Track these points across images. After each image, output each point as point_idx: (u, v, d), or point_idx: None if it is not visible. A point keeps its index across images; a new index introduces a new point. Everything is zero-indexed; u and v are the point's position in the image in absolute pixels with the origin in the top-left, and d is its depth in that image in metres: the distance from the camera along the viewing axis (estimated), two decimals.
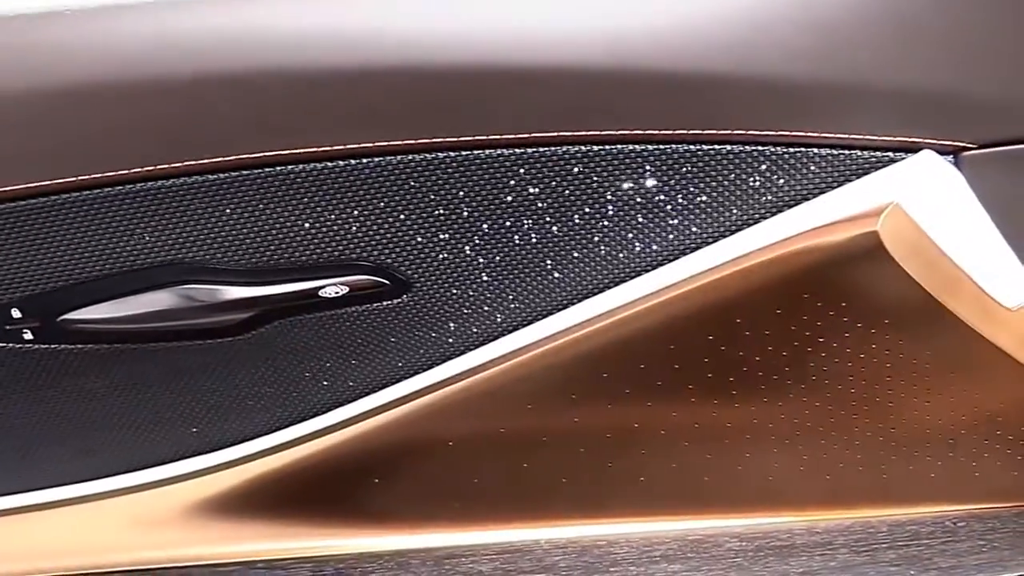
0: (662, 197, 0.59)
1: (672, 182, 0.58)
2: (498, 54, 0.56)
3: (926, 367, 0.62)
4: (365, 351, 0.65)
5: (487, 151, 0.58)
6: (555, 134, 0.57)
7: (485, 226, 0.60)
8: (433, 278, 0.62)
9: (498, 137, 0.57)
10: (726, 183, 0.58)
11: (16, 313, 0.63)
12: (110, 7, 0.57)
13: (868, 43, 0.55)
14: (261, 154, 0.58)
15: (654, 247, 0.60)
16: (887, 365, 0.62)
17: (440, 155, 0.58)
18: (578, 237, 0.60)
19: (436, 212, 0.60)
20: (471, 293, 0.62)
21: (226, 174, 0.59)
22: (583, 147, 0.58)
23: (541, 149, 0.58)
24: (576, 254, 0.61)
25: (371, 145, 0.57)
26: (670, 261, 0.60)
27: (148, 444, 0.70)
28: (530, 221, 0.60)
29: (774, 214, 0.58)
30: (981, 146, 0.57)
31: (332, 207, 0.59)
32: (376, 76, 0.56)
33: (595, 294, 0.62)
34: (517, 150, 0.58)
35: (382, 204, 0.59)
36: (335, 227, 0.60)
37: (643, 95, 0.56)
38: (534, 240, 0.60)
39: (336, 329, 0.64)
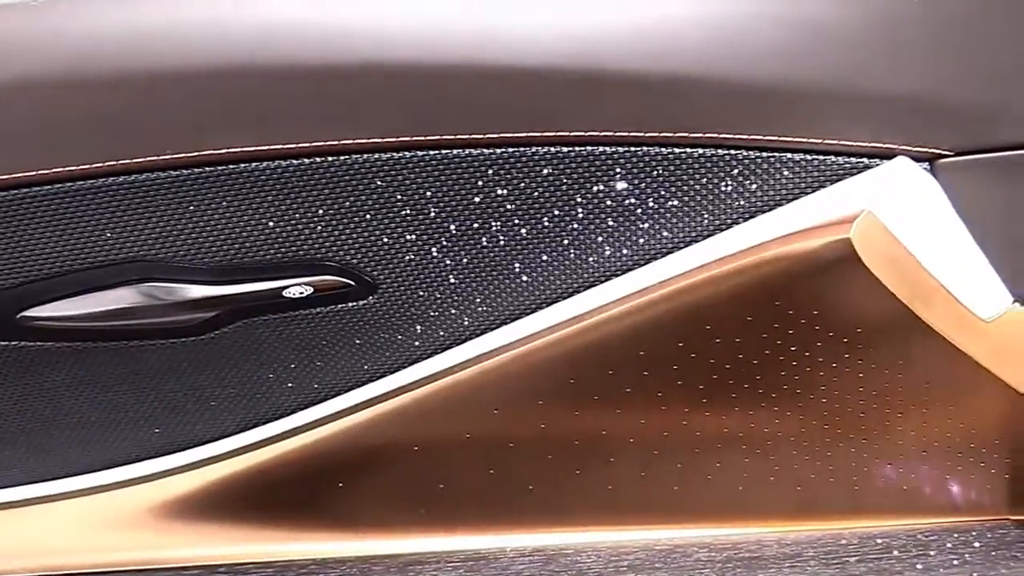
0: (633, 200, 0.58)
1: (643, 185, 0.57)
2: (469, 53, 0.55)
3: (898, 377, 0.61)
4: (330, 353, 0.64)
5: (455, 151, 0.57)
6: (525, 135, 0.56)
7: (452, 227, 0.59)
8: (399, 279, 0.61)
9: (467, 137, 0.56)
10: (698, 187, 0.57)
11: None
12: None
13: (845, 47, 0.55)
14: (226, 151, 0.56)
15: (624, 251, 0.59)
16: (859, 375, 0.61)
17: (407, 154, 0.57)
18: (547, 240, 0.59)
19: (403, 212, 0.58)
20: (438, 295, 0.61)
21: (190, 170, 0.57)
22: (553, 148, 0.57)
23: (510, 150, 0.57)
24: (545, 257, 0.60)
25: (338, 143, 0.56)
26: (640, 266, 0.59)
27: (108, 444, 0.69)
28: (498, 223, 0.59)
29: (746, 219, 0.57)
30: (957, 153, 0.56)
31: (297, 206, 0.58)
32: (344, 73, 0.55)
33: (564, 298, 0.60)
34: (486, 150, 0.57)
35: (348, 203, 0.58)
36: (300, 226, 0.59)
37: (614, 96, 0.55)
38: (502, 242, 0.59)
39: (300, 330, 0.63)
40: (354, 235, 0.59)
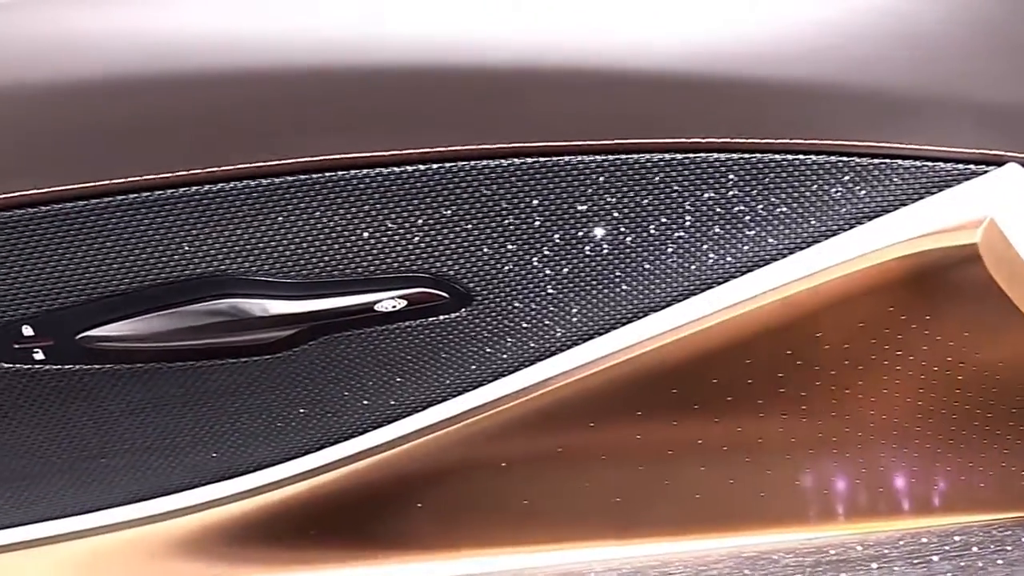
0: (742, 207, 0.57)
1: (753, 192, 0.56)
2: (585, 59, 0.53)
3: (996, 380, 0.62)
4: (413, 368, 0.61)
5: (566, 158, 0.55)
6: (638, 141, 0.55)
7: (556, 236, 0.57)
8: (496, 291, 0.58)
9: (580, 144, 0.54)
10: (808, 193, 0.56)
11: (28, 331, 0.56)
12: None
13: (956, 55, 0.55)
14: (321, 158, 0.53)
15: (728, 259, 0.58)
16: (958, 377, 0.61)
17: (516, 161, 0.55)
18: (651, 248, 0.58)
19: (506, 221, 0.56)
20: (534, 307, 0.59)
21: (281, 179, 0.54)
22: (666, 155, 0.55)
23: (623, 156, 0.55)
24: (647, 266, 0.58)
25: (444, 150, 0.54)
26: (743, 273, 0.58)
27: (159, 471, 0.64)
28: (604, 231, 0.57)
29: (852, 226, 0.57)
30: None
31: (395, 215, 0.55)
32: (456, 78, 0.52)
33: (664, 307, 0.59)
34: (598, 157, 0.55)
35: (449, 212, 0.55)
36: (397, 236, 0.56)
37: (730, 102, 0.54)
38: (605, 251, 0.58)
39: (385, 345, 0.60)
40: (453, 245, 0.56)
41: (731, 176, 0.56)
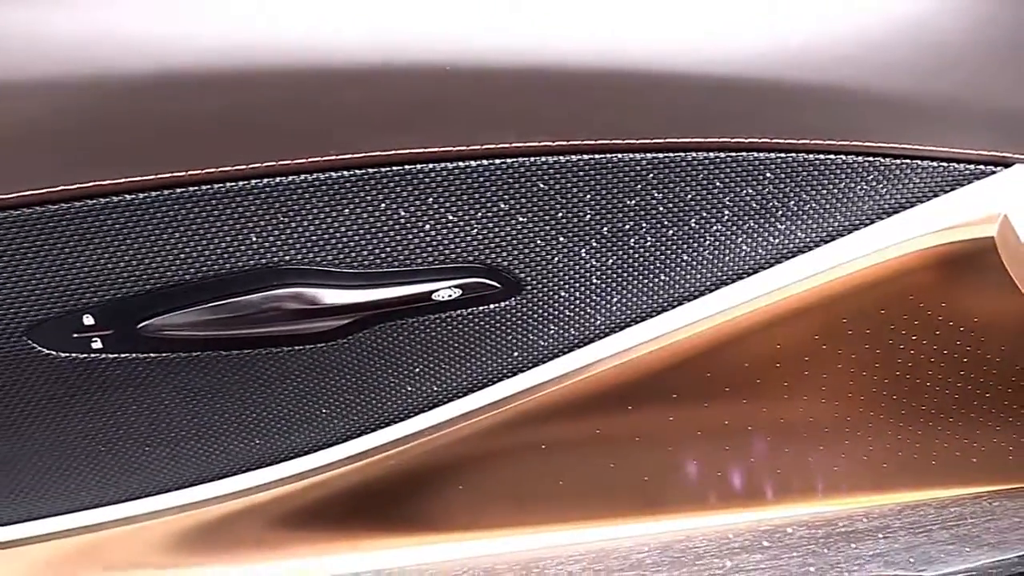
0: (775, 203, 0.61)
1: (787, 189, 0.60)
2: (641, 63, 0.56)
3: (1000, 364, 0.67)
4: (458, 355, 0.63)
5: (619, 155, 0.58)
6: (687, 140, 0.58)
7: (605, 229, 0.60)
8: (545, 281, 0.61)
9: (633, 142, 0.57)
10: (835, 191, 0.61)
11: (88, 320, 0.57)
12: None
13: (972, 66, 0.60)
14: (390, 153, 0.55)
15: (760, 250, 0.62)
16: (964, 361, 0.67)
17: (573, 158, 0.58)
18: (690, 240, 0.62)
19: (558, 215, 0.59)
20: (578, 296, 0.62)
21: (350, 172, 0.56)
22: (711, 154, 0.59)
23: (672, 155, 0.59)
24: (685, 257, 0.62)
25: (505, 146, 0.56)
26: (773, 265, 0.63)
27: (202, 458, 0.65)
28: (648, 225, 0.61)
29: (874, 221, 0.62)
30: None
31: (457, 208, 0.58)
32: (519, 77, 0.55)
33: (698, 296, 0.63)
34: (648, 155, 0.58)
35: (506, 206, 0.58)
36: (456, 229, 0.58)
37: (771, 106, 0.58)
38: (648, 243, 0.61)
39: (434, 333, 0.62)
40: (508, 237, 0.59)
41: (768, 174, 0.60)
